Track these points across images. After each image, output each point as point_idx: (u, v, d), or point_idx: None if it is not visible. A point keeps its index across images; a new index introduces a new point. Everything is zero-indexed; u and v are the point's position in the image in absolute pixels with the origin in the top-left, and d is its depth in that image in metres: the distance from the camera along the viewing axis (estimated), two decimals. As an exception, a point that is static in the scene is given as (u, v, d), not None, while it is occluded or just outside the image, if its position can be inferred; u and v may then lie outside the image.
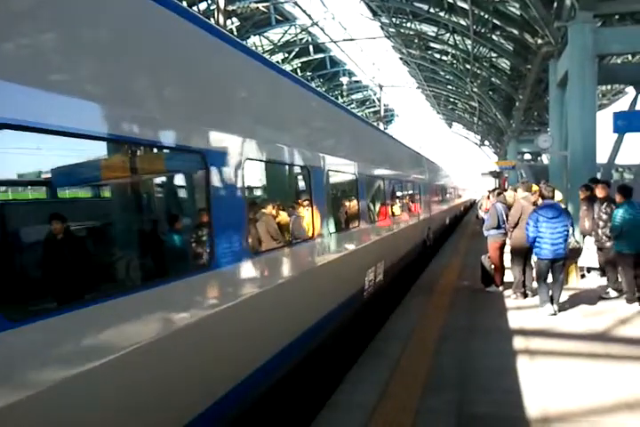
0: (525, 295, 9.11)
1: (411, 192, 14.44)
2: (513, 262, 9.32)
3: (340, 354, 7.19)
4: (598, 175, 17.30)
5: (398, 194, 12.35)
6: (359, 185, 8.41)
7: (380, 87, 41.51)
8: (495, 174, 47.25)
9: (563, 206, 8.77)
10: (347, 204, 8.36)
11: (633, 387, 5.17)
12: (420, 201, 15.62)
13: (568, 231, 8.00)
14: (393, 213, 11.33)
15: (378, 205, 10.27)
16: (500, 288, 9.79)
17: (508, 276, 9.75)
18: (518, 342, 6.72)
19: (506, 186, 28.48)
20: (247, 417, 4.53)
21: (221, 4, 15.25)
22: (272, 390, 5.03)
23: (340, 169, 7.60)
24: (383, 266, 9.79)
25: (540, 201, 8.72)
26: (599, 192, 9.35)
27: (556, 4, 18.33)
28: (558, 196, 10.46)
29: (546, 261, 8.04)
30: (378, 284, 9.45)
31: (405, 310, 8.62)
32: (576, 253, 8.49)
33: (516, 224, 8.93)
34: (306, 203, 6.41)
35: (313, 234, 6.20)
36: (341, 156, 7.69)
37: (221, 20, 15.15)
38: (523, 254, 9.07)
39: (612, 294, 8.94)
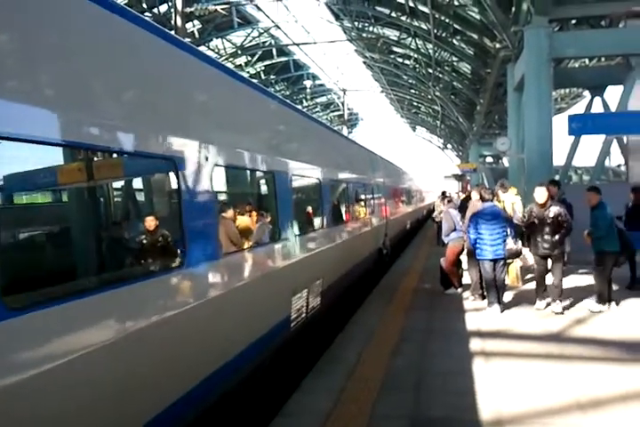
0: (483, 297, 9.16)
1: (362, 195, 12.66)
2: (469, 264, 9.41)
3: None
4: (556, 177, 17.62)
5: (343, 197, 10.61)
6: (282, 187, 6.48)
7: (344, 91, 41.63)
8: (458, 177, 47.83)
9: (500, 208, 8.96)
10: (264, 211, 6.46)
11: (584, 387, 5.20)
12: (374, 205, 14.08)
13: (506, 233, 8.32)
14: (335, 219, 9.49)
15: (313, 211, 8.48)
16: (459, 290, 9.84)
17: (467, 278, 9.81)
18: (475, 344, 6.72)
19: (468, 188, 28.80)
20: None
21: (179, 6, 14.99)
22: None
23: (254, 166, 5.88)
24: (321, 286, 7.89)
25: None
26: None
27: (513, 9, 18.64)
28: (513, 197, 10.58)
29: (487, 261, 8.34)
30: (313, 309, 7.57)
31: (365, 313, 8.58)
32: (514, 253, 8.64)
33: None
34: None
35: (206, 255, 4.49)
36: (254, 150, 5.80)
37: (179, 23, 14.87)
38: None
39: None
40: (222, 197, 5.71)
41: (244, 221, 5.98)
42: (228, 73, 5.53)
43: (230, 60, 36.16)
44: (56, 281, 3.00)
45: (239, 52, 36.58)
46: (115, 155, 3.64)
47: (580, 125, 13.19)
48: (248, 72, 38.93)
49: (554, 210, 8.01)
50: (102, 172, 3.63)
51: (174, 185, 4.05)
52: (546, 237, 8.04)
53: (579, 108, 43.32)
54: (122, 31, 3.74)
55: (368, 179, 13.61)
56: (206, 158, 4.46)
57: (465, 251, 9.49)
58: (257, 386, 5.78)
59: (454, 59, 32.87)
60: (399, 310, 8.66)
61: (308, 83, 45.06)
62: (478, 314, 8.27)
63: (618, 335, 6.88)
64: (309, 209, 8.45)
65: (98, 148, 3.34)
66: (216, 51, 34.93)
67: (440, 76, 36.56)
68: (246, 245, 5.68)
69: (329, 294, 8.42)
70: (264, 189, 6.79)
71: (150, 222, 4.04)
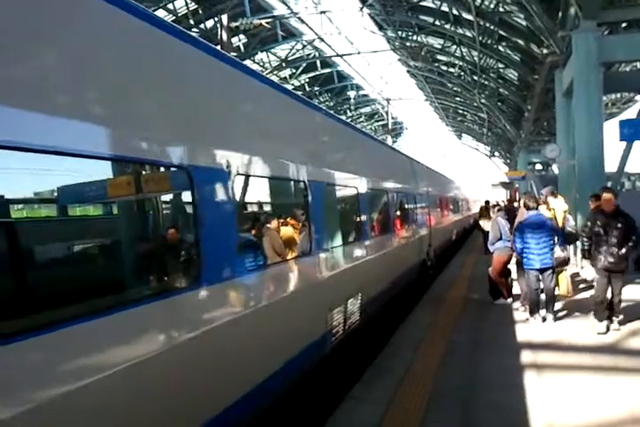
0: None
1: (403, 205, 12.06)
2: (519, 274, 9.24)
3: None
4: (609, 184, 17.15)
5: (382, 207, 10.10)
6: (317, 197, 6.09)
7: (388, 100, 41.60)
8: (506, 185, 47.04)
9: (547, 216, 8.77)
10: (298, 222, 6.08)
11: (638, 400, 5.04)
12: (417, 215, 13.47)
13: (553, 241, 8.18)
14: (375, 230, 9.14)
15: (349, 223, 8.05)
16: (509, 300, 9.67)
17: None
18: (525, 356, 6.59)
19: (517, 197, 28.27)
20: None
21: (225, 21, 15.33)
22: None
23: (286, 174, 5.59)
24: (360, 301, 7.51)
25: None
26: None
27: (560, 14, 18.33)
28: (563, 204, 10.35)
29: (534, 271, 8.21)
30: (351, 325, 7.16)
31: (410, 324, 8.51)
32: (563, 261, 8.60)
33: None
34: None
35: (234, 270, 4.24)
36: (287, 157, 5.57)
37: (225, 37, 15.20)
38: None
39: None
40: (255, 208, 5.71)
41: (280, 232, 5.58)
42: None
43: (275, 72, 36.63)
44: None
45: (283, 64, 37.02)
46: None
47: (632, 131, 12.83)
48: (292, 84, 39.35)
49: (622, 219, 7.23)
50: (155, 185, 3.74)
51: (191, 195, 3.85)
52: (612, 249, 7.18)
53: (631, 112, 42.11)
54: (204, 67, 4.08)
55: (410, 188, 13.10)
56: (240, 168, 4.39)
57: (513, 260, 9.35)
58: (290, 409, 5.41)
59: (500, 65, 32.45)
60: (446, 323, 8.55)
61: (351, 93, 45.22)
62: (528, 325, 8.11)
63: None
64: (345, 221, 7.88)
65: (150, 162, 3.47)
66: (261, 64, 35.42)
67: (486, 83, 36.15)
68: (275, 260, 5.18)
69: (367, 308, 7.90)
70: (298, 200, 6.21)
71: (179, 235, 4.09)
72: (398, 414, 4.97)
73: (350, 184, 7.80)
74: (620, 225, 7.13)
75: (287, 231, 5.75)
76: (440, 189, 20.24)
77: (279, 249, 5.29)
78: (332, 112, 8.71)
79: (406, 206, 12.41)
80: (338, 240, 7.07)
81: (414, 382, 5.82)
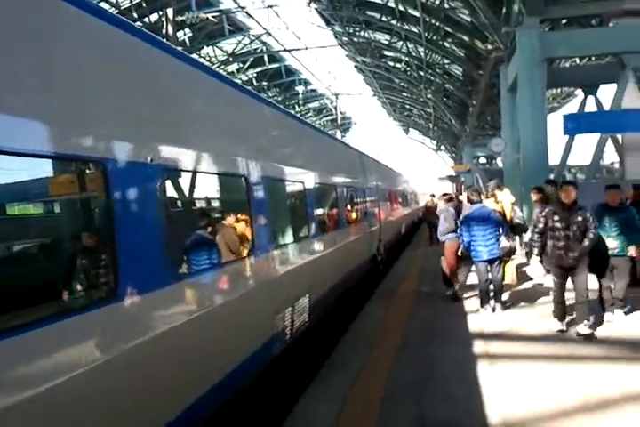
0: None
1: (351, 199, 11.62)
2: (458, 265, 9.50)
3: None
4: (551, 176, 17.60)
5: (328, 202, 9.70)
6: (257, 192, 5.64)
7: (336, 96, 41.67)
8: (452, 179, 47.83)
9: (493, 208, 8.92)
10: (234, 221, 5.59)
11: (591, 388, 5.14)
12: (366, 210, 13.17)
13: (498, 232, 8.39)
14: (322, 227, 8.71)
15: (298, 220, 7.70)
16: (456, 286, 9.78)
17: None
18: (478, 347, 6.67)
19: (462, 190, 28.77)
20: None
21: (170, 15, 14.97)
22: None
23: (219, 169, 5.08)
24: (308, 301, 7.21)
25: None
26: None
27: (504, 10, 18.68)
28: (510, 197, 10.54)
29: (482, 262, 8.42)
30: (300, 327, 6.90)
31: (362, 320, 8.52)
32: (509, 251, 8.79)
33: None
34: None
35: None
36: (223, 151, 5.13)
37: (170, 31, 14.85)
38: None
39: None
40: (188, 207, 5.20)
41: (217, 233, 5.07)
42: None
43: (222, 67, 36.14)
44: None
45: (230, 59, 36.54)
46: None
47: (576, 125, 13.22)
48: (240, 79, 38.90)
49: (581, 213, 6.82)
50: None
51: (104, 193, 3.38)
52: (573, 244, 6.76)
53: (571, 107, 43.47)
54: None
55: (359, 182, 12.65)
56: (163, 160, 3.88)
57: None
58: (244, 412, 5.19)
59: (446, 61, 32.93)
60: (398, 317, 8.59)
61: (300, 88, 45.13)
62: (478, 316, 8.23)
63: (623, 335, 6.82)
64: (290, 218, 7.49)
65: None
66: (207, 58, 34.87)
67: (432, 78, 36.61)
68: (210, 264, 4.70)
69: (317, 308, 7.63)
70: (235, 196, 5.71)
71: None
72: (355, 409, 4.95)
73: (297, 179, 7.44)
74: (579, 218, 6.77)
75: (226, 232, 5.27)
76: (389, 182, 20.02)
77: (216, 252, 4.86)
78: (261, 95, 7.69)
79: (355, 201, 12.02)
80: (282, 239, 6.69)
81: (369, 376, 5.82)
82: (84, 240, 3.40)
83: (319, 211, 8.71)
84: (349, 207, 11.33)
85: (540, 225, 7.08)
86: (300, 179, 7.55)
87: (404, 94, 49.05)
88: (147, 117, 3.89)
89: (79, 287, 3.32)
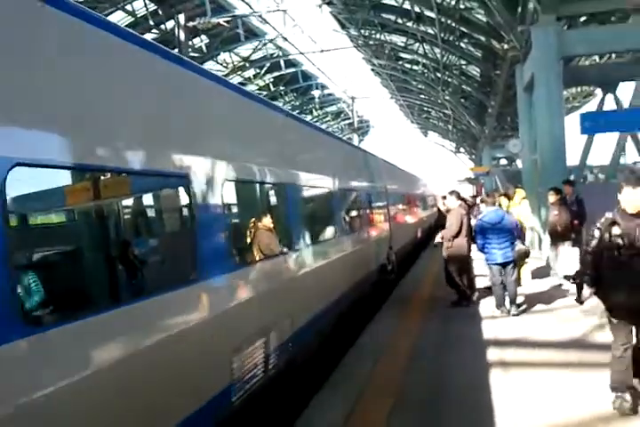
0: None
1: (356, 205, 10.60)
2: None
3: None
4: (571, 177, 17.28)
5: (326, 207, 8.63)
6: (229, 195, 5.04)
7: (353, 99, 41.56)
8: (471, 181, 47.45)
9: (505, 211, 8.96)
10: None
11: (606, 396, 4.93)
12: (373, 216, 12.08)
13: (513, 235, 8.34)
14: (310, 238, 7.04)
15: (278, 230, 5.97)
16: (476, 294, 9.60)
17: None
18: (492, 354, 6.49)
19: (482, 192, 28.48)
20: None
21: (181, 21, 15.00)
22: None
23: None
24: (290, 328, 5.86)
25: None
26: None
27: (520, 9, 18.41)
28: (525, 208, 10.44)
29: (496, 265, 8.39)
30: (276, 363, 5.43)
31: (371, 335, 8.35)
32: (524, 254, 8.76)
33: (458, 233, 8.99)
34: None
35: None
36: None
37: (182, 37, 14.87)
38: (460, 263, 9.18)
39: None
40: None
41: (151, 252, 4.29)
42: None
43: (238, 73, 36.24)
44: None
45: (247, 64, 36.65)
46: None
47: (593, 124, 12.92)
48: (257, 84, 39.01)
49: None
50: None
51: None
52: None
53: (591, 106, 42.79)
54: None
55: (362, 185, 11.38)
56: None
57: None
58: None
59: (462, 62, 32.66)
60: (409, 328, 8.44)
61: (316, 93, 45.07)
62: (493, 321, 8.08)
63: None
64: (271, 227, 5.85)
65: None
66: (224, 64, 35.01)
67: (449, 80, 36.33)
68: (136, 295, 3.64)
69: (303, 336, 6.26)
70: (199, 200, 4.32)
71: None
72: (363, 416, 4.83)
73: (281, 181, 6.33)
74: None
75: (166, 248, 4.44)
76: (402, 185, 19.08)
77: (148, 279, 3.95)
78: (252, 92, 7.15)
79: (357, 206, 10.88)
80: (253, 255, 5.59)
81: (381, 383, 5.67)
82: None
83: (305, 219, 7.20)
84: (349, 213, 10.06)
85: (594, 242, 4.68)
86: (290, 180, 6.58)
87: (422, 96, 48.78)
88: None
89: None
